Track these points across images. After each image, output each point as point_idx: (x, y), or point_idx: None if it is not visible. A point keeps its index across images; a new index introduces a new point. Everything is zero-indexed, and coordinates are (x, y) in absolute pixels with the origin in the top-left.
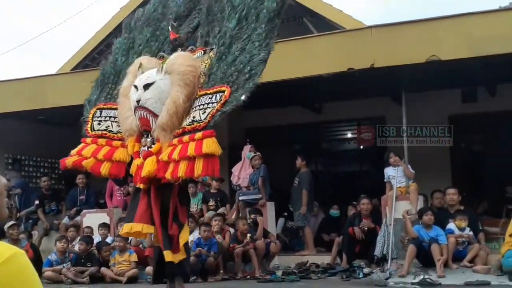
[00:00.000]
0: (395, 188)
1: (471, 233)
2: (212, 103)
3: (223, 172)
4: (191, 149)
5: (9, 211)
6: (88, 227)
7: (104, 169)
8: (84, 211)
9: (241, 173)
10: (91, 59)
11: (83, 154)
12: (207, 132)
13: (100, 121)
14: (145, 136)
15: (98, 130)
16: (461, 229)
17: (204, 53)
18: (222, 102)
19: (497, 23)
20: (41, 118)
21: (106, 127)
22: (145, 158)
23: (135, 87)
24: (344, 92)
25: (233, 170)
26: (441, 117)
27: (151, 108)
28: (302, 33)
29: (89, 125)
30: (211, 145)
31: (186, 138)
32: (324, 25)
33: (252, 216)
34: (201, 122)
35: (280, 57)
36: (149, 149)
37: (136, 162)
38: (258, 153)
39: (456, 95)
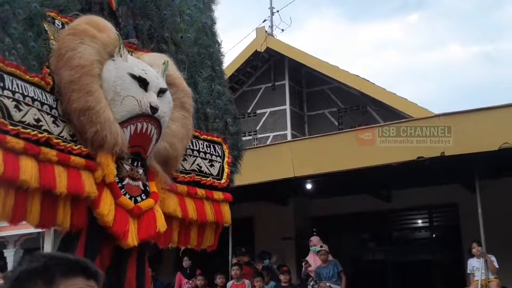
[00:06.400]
0: (480, 281)
1: None
2: (216, 156)
3: (290, 263)
4: (210, 213)
5: None
6: None
7: (67, 215)
8: None
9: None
10: None
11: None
12: (228, 195)
13: (18, 103)
14: (131, 162)
15: (25, 123)
16: None
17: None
18: (228, 161)
19: None
20: None
21: (37, 120)
22: (156, 202)
23: (141, 80)
24: (414, 180)
25: (308, 259)
26: None
27: (163, 127)
28: (367, 122)
29: None
30: (228, 214)
31: (202, 192)
32: (388, 113)
33: None
34: (219, 179)
35: (348, 147)
36: (147, 188)
37: (125, 202)
38: (324, 248)
39: None
